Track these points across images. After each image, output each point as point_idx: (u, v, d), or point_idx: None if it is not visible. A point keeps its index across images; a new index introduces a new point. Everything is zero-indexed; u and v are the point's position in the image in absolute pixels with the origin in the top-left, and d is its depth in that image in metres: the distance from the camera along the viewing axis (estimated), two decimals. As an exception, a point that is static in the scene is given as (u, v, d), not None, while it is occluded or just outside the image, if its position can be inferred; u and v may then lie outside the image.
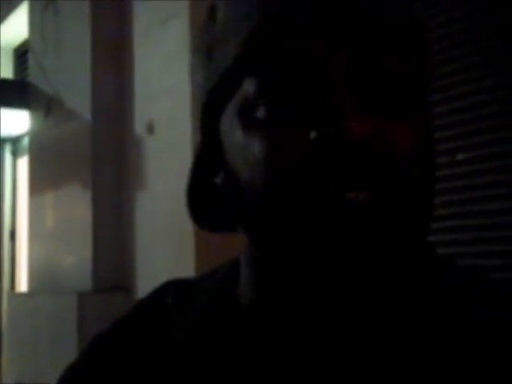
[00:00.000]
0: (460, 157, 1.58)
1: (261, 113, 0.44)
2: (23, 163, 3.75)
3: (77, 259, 2.70)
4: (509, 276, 1.45)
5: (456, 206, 1.58)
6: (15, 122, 3.48)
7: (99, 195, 2.62)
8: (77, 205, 2.73)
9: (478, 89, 1.55)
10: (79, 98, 2.75)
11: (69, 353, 2.37)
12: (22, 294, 3.43)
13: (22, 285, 3.78)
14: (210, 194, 0.52)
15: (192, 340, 0.50)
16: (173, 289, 0.56)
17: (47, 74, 2.99)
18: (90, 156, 2.65)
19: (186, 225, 2.04)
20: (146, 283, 2.42)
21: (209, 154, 0.51)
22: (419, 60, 0.47)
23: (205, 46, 0.50)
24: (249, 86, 0.45)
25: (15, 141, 3.95)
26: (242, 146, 0.45)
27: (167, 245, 2.20)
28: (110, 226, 2.61)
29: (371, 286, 0.43)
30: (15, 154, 4.01)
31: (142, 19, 2.47)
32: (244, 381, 0.47)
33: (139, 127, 2.42)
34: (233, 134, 0.47)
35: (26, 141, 3.59)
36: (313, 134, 0.42)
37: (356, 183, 0.41)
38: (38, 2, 3.10)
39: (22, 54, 3.92)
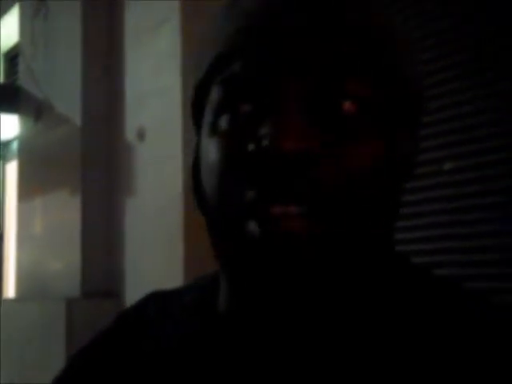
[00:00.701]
0: (447, 166, 1.59)
1: (221, 123, 0.47)
2: (12, 168, 3.73)
3: (65, 265, 2.69)
4: (500, 285, 1.46)
5: (445, 215, 1.59)
6: (5, 126, 3.47)
7: (89, 200, 2.61)
8: (66, 210, 2.72)
9: (465, 99, 1.56)
10: (69, 102, 2.75)
11: (57, 358, 2.36)
12: (9, 300, 3.41)
13: (10, 290, 3.75)
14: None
15: (170, 350, 0.51)
16: (154, 301, 0.57)
17: (37, 79, 2.99)
18: (79, 161, 2.64)
19: (175, 231, 2.04)
20: (135, 289, 2.41)
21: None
22: (387, 85, 0.46)
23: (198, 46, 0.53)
24: (213, 97, 0.48)
25: (4, 145, 3.93)
26: (204, 152, 0.48)
27: (156, 250, 2.20)
28: (99, 232, 2.61)
29: (309, 297, 0.45)
30: (4, 159, 3.99)
31: (133, 24, 2.47)
32: None
33: (130, 132, 2.41)
34: (202, 140, 0.49)
35: (15, 145, 3.58)
36: (250, 147, 0.44)
37: (278, 197, 0.42)
38: (28, 7, 3.10)
39: (12, 58, 3.91)
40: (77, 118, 2.67)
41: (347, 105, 0.44)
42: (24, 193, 3.16)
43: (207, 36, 0.51)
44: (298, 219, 0.42)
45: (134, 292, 2.42)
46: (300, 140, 0.42)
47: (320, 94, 0.44)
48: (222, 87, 0.47)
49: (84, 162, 2.63)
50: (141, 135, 2.33)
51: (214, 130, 0.47)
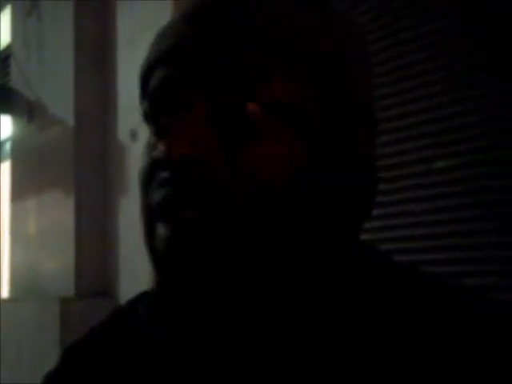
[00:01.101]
0: (439, 165, 1.60)
1: (151, 133, 0.51)
2: (5, 168, 3.73)
3: (59, 265, 2.69)
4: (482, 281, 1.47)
5: (435, 214, 1.60)
6: (-3, 127, 3.47)
7: (82, 201, 2.62)
8: (59, 210, 2.72)
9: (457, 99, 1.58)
10: (62, 103, 2.75)
11: (51, 358, 2.36)
12: (3, 300, 3.41)
13: (4, 290, 3.75)
14: None
15: (162, 345, 0.51)
16: (145, 298, 0.58)
17: (30, 80, 2.99)
18: (72, 162, 2.65)
19: (168, 230, 2.05)
20: (128, 289, 2.42)
21: None
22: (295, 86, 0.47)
23: None
24: (143, 111, 0.52)
25: (-3, 146, 3.93)
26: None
27: (150, 250, 2.20)
28: (92, 232, 2.61)
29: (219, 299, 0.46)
30: (-3, 159, 3.98)
31: (125, 25, 2.47)
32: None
33: (122, 133, 2.42)
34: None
35: (8, 146, 3.58)
36: (153, 155, 0.48)
37: (169, 203, 0.45)
38: (20, 8, 3.10)
39: (4, 59, 3.90)
40: (70, 119, 2.68)
41: (250, 107, 0.46)
42: (17, 193, 3.16)
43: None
44: (193, 224, 0.44)
45: (127, 291, 2.43)
46: (190, 145, 0.45)
47: (220, 101, 0.47)
48: (146, 100, 0.51)
49: (77, 163, 2.64)
50: (133, 135, 2.34)
51: (148, 141, 0.51)
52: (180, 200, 0.45)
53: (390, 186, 1.68)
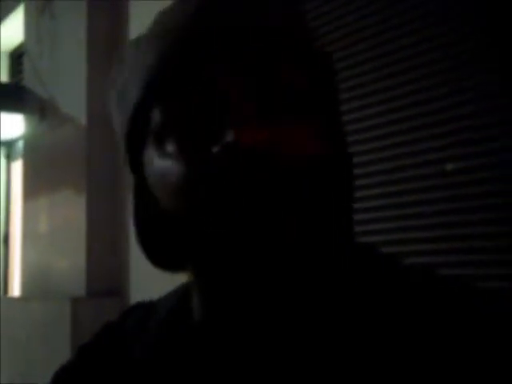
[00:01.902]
0: (450, 167, 1.58)
1: (170, 141, 0.47)
2: (17, 167, 3.74)
3: (70, 264, 2.69)
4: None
5: (445, 216, 1.59)
6: (10, 125, 3.48)
7: (93, 200, 2.62)
8: (71, 209, 2.72)
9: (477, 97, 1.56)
10: (74, 101, 2.75)
11: (63, 357, 2.36)
12: (14, 299, 3.42)
13: (15, 289, 3.76)
14: (155, 230, 0.53)
15: (148, 357, 0.52)
16: (134, 312, 0.58)
17: (42, 78, 2.99)
18: (84, 160, 2.65)
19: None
20: (139, 288, 2.42)
21: (142, 190, 0.53)
22: (317, 72, 0.49)
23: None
24: (157, 118, 0.48)
25: (9, 144, 3.94)
26: (160, 175, 0.47)
27: (161, 250, 2.20)
28: (103, 231, 2.61)
29: (289, 289, 0.46)
30: (9, 158, 4.00)
31: (138, 23, 2.47)
32: None
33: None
34: (152, 165, 0.49)
35: (20, 144, 3.59)
36: (215, 149, 0.44)
37: (253, 192, 0.43)
38: (33, 6, 3.11)
39: (17, 57, 3.92)
40: (82, 118, 2.68)
41: (289, 93, 0.46)
42: (29, 192, 3.16)
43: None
44: (268, 214, 0.43)
45: (137, 291, 2.43)
46: (259, 130, 0.43)
47: (261, 85, 0.45)
48: (162, 107, 0.47)
49: (89, 161, 2.64)
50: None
51: (163, 152, 0.47)
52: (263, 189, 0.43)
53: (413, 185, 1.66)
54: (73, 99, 2.77)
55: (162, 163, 0.47)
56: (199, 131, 0.45)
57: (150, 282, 2.21)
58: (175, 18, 0.48)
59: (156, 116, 0.48)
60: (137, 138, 0.51)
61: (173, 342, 0.52)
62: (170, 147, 0.47)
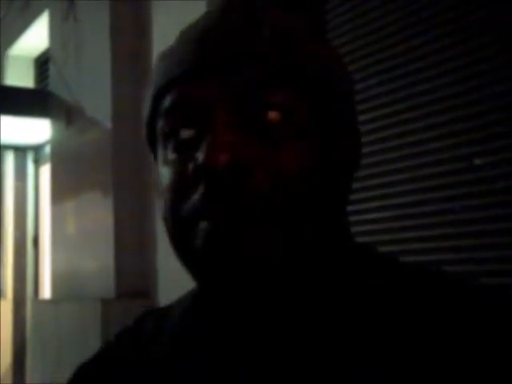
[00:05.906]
0: (477, 162, 1.57)
1: (169, 150, 0.51)
2: (45, 171, 3.79)
3: (99, 266, 2.72)
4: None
5: (479, 211, 1.57)
6: (36, 130, 3.52)
7: (120, 202, 2.64)
8: (98, 212, 2.75)
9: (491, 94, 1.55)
10: (100, 106, 2.78)
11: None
12: (45, 301, 3.47)
13: (46, 291, 3.81)
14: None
15: (166, 356, 0.54)
16: (149, 316, 0.61)
17: (68, 83, 3.03)
18: (110, 163, 2.68)
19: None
20: (166, 289, 2.43)
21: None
22: (310, 93, 0.50)
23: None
24: (159, 128, 0.53)
25: (37, 149, 4.00)
26: (160, 179, 0.53)
27: (188, 251, 2.21)
28: (131, 233, 2.63)
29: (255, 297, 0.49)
30: (37, 162, 4.05)
31: (161, 28, 2.49)
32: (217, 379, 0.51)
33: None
34: (159, 168, 0.54)
35: (47, 149, 3.63)
36: (190, 167, 0.48)
37: (210, 211, 0.46)
38: (58, 12, 3.14)
39: (42, 63, 3.97)
40: (107, 121, 2.71)
41: (272, 114, 0.48)
42: (57, 196, 3.20)
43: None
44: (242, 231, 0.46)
45: (165, 292, 2.44)
46: (230, 153, 0.45)
47: (245, 109, 0.48)
48: (164, 118, 0.52)
49: (115, 164, 2.67)
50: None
51: (165, 159, 0.52)
52: (229, 200, 0.46)
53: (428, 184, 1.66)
54: (98, 103, 2.80)
55: (163, 169, 0.52)
56: (187, 146, 0.49)
57: (177, 283, 2.22)
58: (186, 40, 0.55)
59: (160, 124, 0.53)
60: (153, 143, 0.56)
61: (188, 339, 0.54)
62: (170, 155, 0.51)
